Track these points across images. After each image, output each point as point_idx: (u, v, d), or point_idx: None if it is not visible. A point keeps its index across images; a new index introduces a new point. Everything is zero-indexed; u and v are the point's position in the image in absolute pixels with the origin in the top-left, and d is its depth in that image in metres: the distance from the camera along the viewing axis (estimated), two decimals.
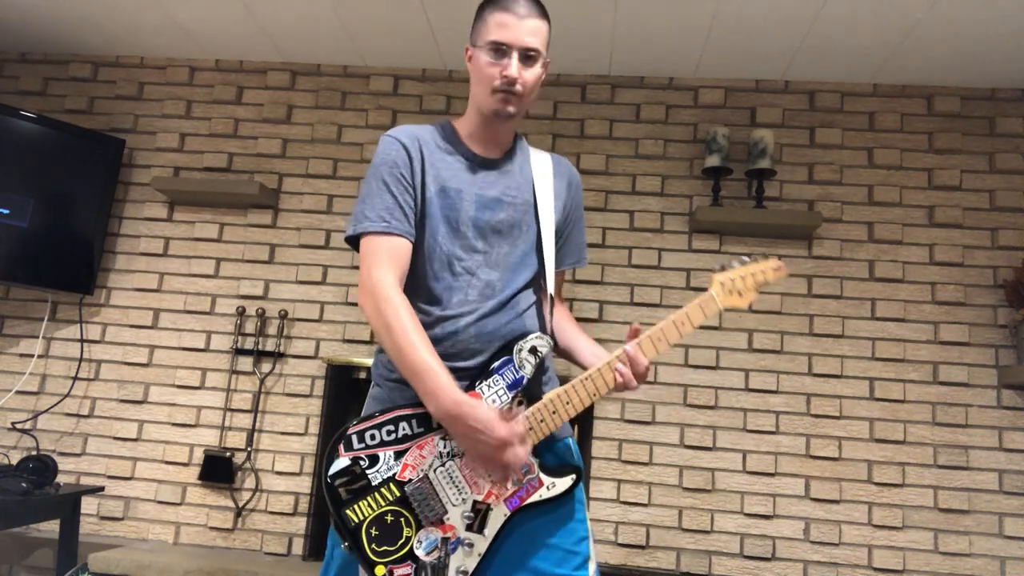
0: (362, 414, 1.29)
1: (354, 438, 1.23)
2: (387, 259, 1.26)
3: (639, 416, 2.69)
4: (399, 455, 1.23)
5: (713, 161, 2.70)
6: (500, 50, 1.31)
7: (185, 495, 2.77)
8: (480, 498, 1.24)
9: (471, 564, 1.22)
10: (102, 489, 2.69)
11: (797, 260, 2.75)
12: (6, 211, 2.69)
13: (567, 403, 1.27)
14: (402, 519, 1.21)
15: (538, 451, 1.28)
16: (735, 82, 2.90)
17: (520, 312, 1.34)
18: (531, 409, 1.27)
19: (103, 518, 2.77)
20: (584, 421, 2.69)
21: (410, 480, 1.23)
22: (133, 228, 2.98)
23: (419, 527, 1.21)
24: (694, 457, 2.65)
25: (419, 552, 1.20)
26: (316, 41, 2.87)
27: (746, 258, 1.39)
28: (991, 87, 2.81)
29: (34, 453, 2.69)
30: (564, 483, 1.27)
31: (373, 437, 1.24)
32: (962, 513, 2.54)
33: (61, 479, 2.60)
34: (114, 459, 2.81)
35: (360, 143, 2.96)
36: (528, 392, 1.29)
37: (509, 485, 1.25)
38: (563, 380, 1.35)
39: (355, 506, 1.21)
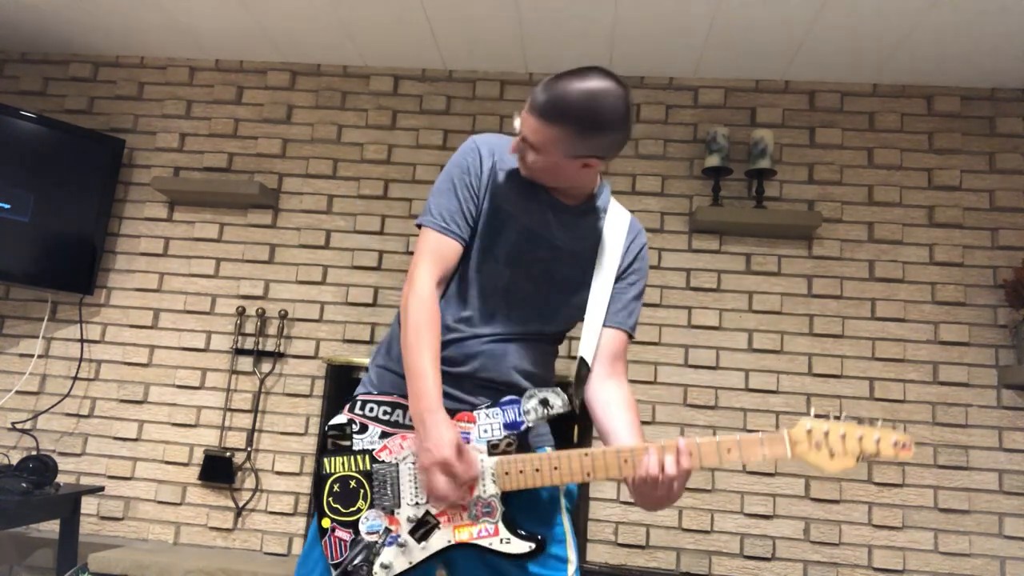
0: (356, 393, 1.36)
1: (359, 403, 1.32)
2: (435, 259, 1.31)
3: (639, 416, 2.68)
4: (384, 435, 1.29)
5: (713, 161, 2.70)
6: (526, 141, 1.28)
7: (185, 495, 2.77)
8: (434, 512, 1.24)
9: (399, 565, 1.22)
10: (102, 489, 2.69)
11: (797, 260, 2.75)
12: (7, 206, 2.69)
13: (554, 468, 1.22)
14: (361, 491, 1.27)
15: (511, 502, 1.24)
16: (735, 82, 2.90)
17: (521, 343, 1.34)
18: (512, 456, 1.23)
19: (103, 518, 2.77)
20: (584, 420, 2.69)
21: (382, 461, 1.28)
22: (133, 228, 2.98)
23: (371, 506, 1.26)
24: None
25: (362, 528, 1.25)
26: (316, 41, 2.87)
27: (861, 421, 1.14)
28: (991, 87, 2.81)
29: (34, 453, 2.69)
30: (519, 546, 1.22)
31: (372, 410, 1.31)
32: (962, 513, 2.54)
33: (61, 479, 2.60)
34: (114, 459, 2.81)
35: (360, 143, 2.96)
36: (521, 439, 1.26)
37: (465, 516, 1.23)
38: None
39: (333, 458, 1.29)
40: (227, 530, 2.73)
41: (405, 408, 1.28)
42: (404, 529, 1.24)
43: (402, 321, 1.28)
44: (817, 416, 1.14)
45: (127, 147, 2.98)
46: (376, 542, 1.23)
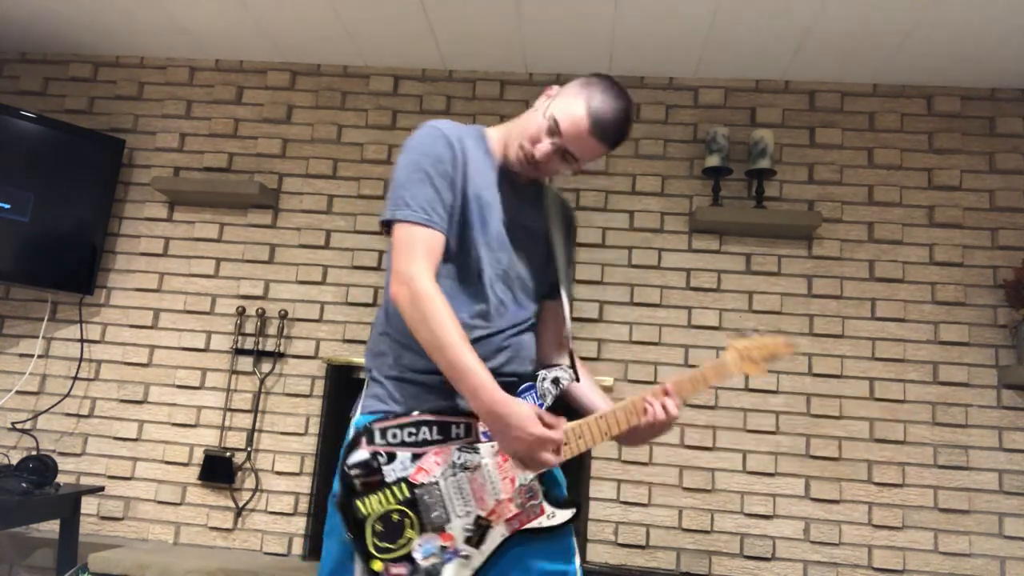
0: (364, 409, 1.30)
1: (377, 433, 1.24)
2: (425, 253, 1.25)
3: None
4: (416, 457, 1.24)
5: (713, 161, 2.70)
6: (553, 132, 1.32)
7: (185, 495, 2.77)
8: (484, 514, 1.25)
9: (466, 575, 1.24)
10: (102, 489, 2.69)
11: (797, 260, 2.75)
12: (7, 206, 2.69)
13: (579, 436, 1.29)
14: (406, 520, 1.22)
15: (544, 480, 1.30)
16: (735, 82, 2.90)
17: (522, 331, 1.38)
18: (566, 426, 1.27)
19: (103, 518, 2.77)
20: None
21: (421, 484, 1.23)
22: (133, 228, 2.98)
23: (421, 531, 1.22)
24: (694, 457, 2.65)
25: (416, 556, 1.21)
26: (316, 41, 2.87)
27: (759, 332, 1.48)
28: (991, 87, 2.81)
29: (34, 453, 2.69)
30: (564, 515, 1.30)
31: (395, 436, 1.24)
32: (962, 513, 2.54)
33: (61, 479, 2.60)
34: (114, 459, 2.81)
35: (360, 143, 2.96)
36: None
37: (512, 506, 1.26)
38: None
39: (366, 499, 1.21)
40: (227, 530, 2.73)
41: (431, 424, 1.26)
42: (460, 540, 1.24)
43: (414, 321, 1.22)
44: (740, 336, 1.47)
45: (127, 147, 2.98)
46: (435, 564, 1.21)
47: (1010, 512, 2.53)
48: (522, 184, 1.41)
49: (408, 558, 1.21)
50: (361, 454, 1.23)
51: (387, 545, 1.21)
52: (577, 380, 1.39)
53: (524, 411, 1.18)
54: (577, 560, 1.35)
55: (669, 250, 2.80)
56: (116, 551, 2.54)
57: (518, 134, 1.36)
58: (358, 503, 1.21)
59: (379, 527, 1.21)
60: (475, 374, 1.18)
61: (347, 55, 2.95)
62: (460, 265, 1.32)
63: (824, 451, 2.61)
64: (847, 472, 2.60)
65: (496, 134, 1.43)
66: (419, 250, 1.25)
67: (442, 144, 1.31)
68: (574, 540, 1.36)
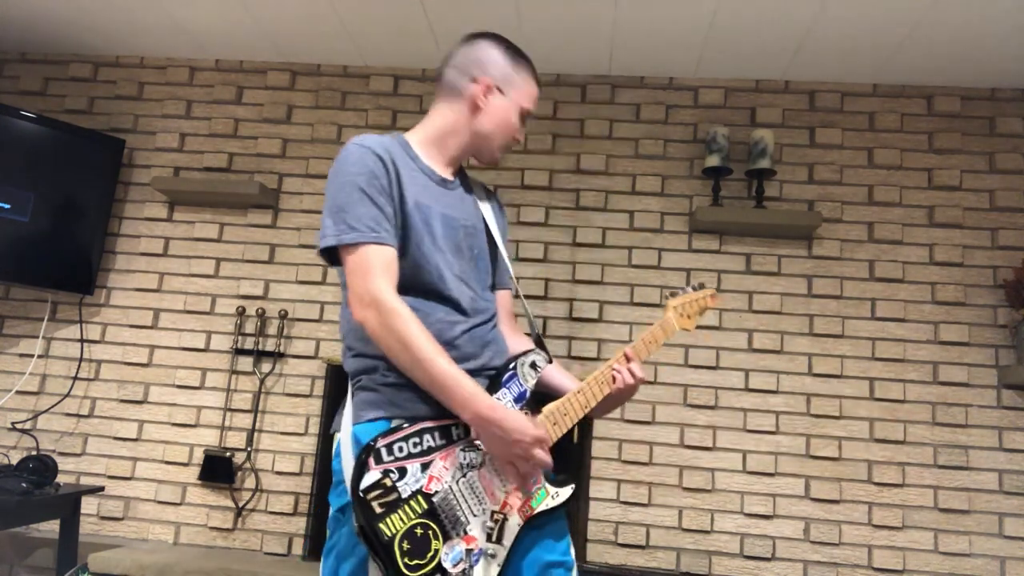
0: (360, 417, 1.28)
1: (383, 451, 1.21)
2: (383, 270, 1.25)
3: (639, 416, 2.69)
4: (425, 467, 1.23)
5: (713, 161, 2.70)
6: (527, 116, 1.50)
7: (185, 495, 2.77)
8: (497, 508, 1.28)
9: (494, 572, 1.26)
10: (102, 489, 2.69)
11: (797, 260, 2.75)
12: (7, 206, 2.69)
13: (565, 414, 1.36)
14: (430, 531, 1.21)
15: None
16: (735, 82, 2.90)
17: (493, 324, 1.43)
18: (539, 417, 1.33)
19: (103, 518, 2.77)
20: (584, 421, 2.68)
21: (436, 492, 1.23)
22: (133, 228, 2.98)
23: (445, 539, 1.22)
24: (694, 457, 2.65)
25: (447, 565, 1.20)
26: (316, 41, 2.87)
27: (693, 286, 1.63)
28: (991, 87, 2.81)
29: (34, 453, 2.69)
30: (566, 492, 1.37)
31: (401, 449, 1.22)
32: (962, 513, 2.54)
33: (61, 479, 2.60)
34: (114, 459, 2.81)
35: None
36: (530, 405, 1.36)
37: (520, 494, 1.30)
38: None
39: (388, 519, 1.18)
40: (227, 530, 2.73)
41: (432, 430, 1.26)
42: (482, 539, 1.25)
43: (387, 345, 1.23)
44: (672, 295, 1.59)
45: (127, 147, 2.98)
46: (465, 568, 1.22)
47: (1010, 512, 2.53)
48: (450, 182, 1.46)
49: (439, 569, 1.20)
50: (373, 475, 1.19)
51: (418, 561, 1.19)
52: (550, 361, 1.44)
53: (517, 415, 1.24)
54: (572, 550, 1.40)
55: (669, 250, 2.80)
56: (116, 551, 2.54)
57: (492, 138, 1.46)
58: (381, 526, 1.17)
59: (407, 545, 1.18)
60: (461, 385, 1.21)
61: (347, 55, 2.95)
62: (418, 274, 1.32)
63: (824, 451, 2.61)
64: (847, 472, 2.60)
65: (416, 138, 1.46)
66: (376, 268, 1.25)
67: (371, 159, 1.31)
68: (566, 522, 1.41)
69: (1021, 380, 2.52)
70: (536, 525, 1.33)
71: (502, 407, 1.24)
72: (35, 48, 3.11)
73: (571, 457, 2.62)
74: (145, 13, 2.76)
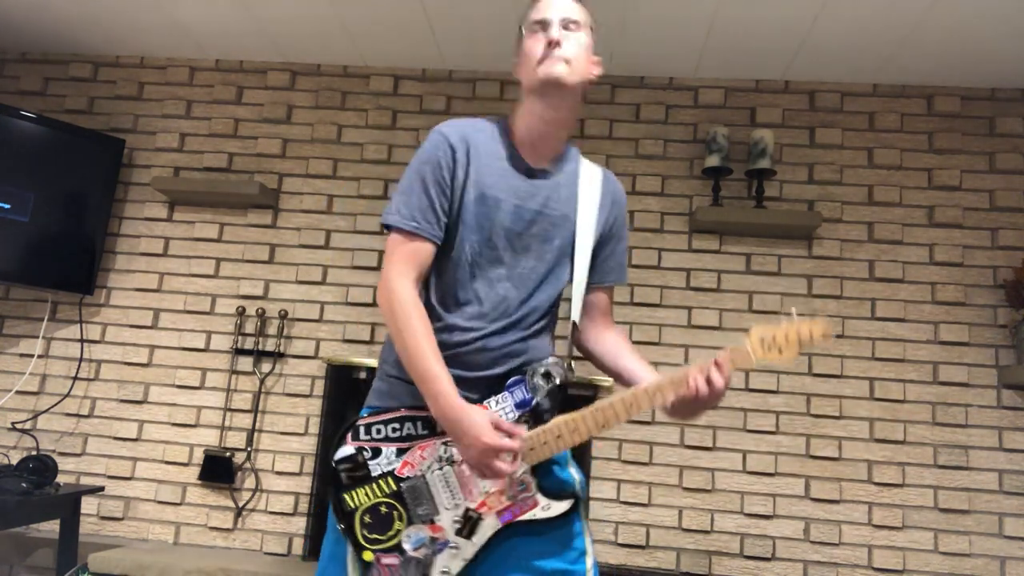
0: (366, 403, 1.34)
1: (361, 429, 1.29)
2: (408, 260, 1.29)
3: (639, 416, 2.69)
4: (400, 452, 1.28)
5: (713, 161, 2.70)
6: (541, 23, 1.33)
7: (185, 495, 2.77)
8: (473, 506, 1.27)
9: (455, 566, 1.26)
10: (102, 489, 2.69)
11: (797, 260, 2.75)
12: (7, 206, 2.69)
13: (573, 431, 1.26)
14: (394, 512, 1.26)
15: (537, 472, 1.29)
16: (735, 82, 2.90)
17: (530, 332, 1.35)
18: (534, 431, 1.27)
19: (103, 518, 2.77)
20: None
21: (408, 477, 1.27)
22: (133, 228, 2.98)
23: (410, 523, 1.26)
24: (694, 457, 2.65)
25: (406, 546, 1.25)
26: (316, 41, 2.87)
27: (791, 317, 1.33)
28: (991, 87, 2.81)
29: (34, 453, 2.69)
30: (560, 506, 1.29)
31: (379, 431, 1.29)
32: (962, 513, 2.54)
33: (61, 479, 2.60)
34: (114, 459, 2.81)
35: (360, 143, 2.96)
36: (536, 414, 1.30)
37: (504, 498, 1.27)
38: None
39: (353, 492, 1.26)
40: (227, 530, 2.73)
41: (415, 419, 1.28)
42: (450, 532, 1.26)
43: (391, 326, 1.27)
44: (759, 326, 1.34)
45: (127, 147, 2.98)
46: (426, 554, 1.24)
47: (1010, 512, 2.53)
48: (546, 168, 1.38)
49: (398, 548, 1.25)
50: (346, 449, 1.28)
51: (376, 536, 1.25)
52: (571, 371, 1.39)
53: (476, 419, 1.20)
54: (589, 561, 1.32)
55: (669, 250, 2.80)
56: (116, 551, 2.54)
57: (529, 74, 1.33)
58: (345, 496, 1.26)
59: (367, 519, 1.25)
60: (434, 381, 1.22)
61: (347, 55, 2.95)
62: (453, 271, 1.33)
63: (824, 451, 2.61)
64: (847, 472, 2.60)
65: (517, 120, 1.39)
66: (403, 256, 1.29)
67: (443, 149, 1.32)
68: (585, 539, 1.33)
69: (1021, 380, 2.52)
70: (534, 532, 1.29)
71: (466, 409, 1.21)
72: (35, 48, 3.11)
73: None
74: (145, 13, 2.76)
